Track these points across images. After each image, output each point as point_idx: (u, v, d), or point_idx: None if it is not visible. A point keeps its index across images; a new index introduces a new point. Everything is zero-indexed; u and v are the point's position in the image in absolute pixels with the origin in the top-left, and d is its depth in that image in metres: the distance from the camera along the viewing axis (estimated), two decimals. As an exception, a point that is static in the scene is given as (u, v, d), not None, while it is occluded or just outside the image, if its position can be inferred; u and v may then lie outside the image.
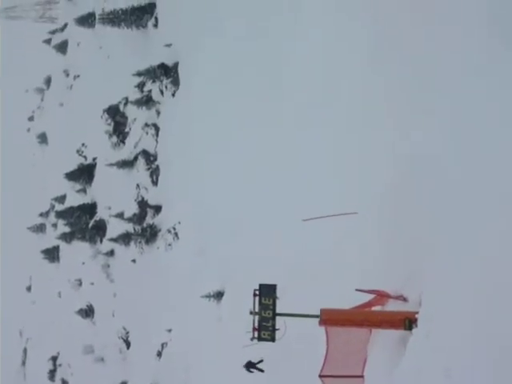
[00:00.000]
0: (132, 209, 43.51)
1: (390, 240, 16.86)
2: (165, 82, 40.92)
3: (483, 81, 12.47)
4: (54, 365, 55.99)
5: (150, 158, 42.68)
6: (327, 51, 23.19)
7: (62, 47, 64.56)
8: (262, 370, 20.25)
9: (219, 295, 31.14)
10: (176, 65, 39.95)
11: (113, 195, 46.36)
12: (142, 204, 42.80)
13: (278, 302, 16.90)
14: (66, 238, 54.68)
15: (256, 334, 17.05)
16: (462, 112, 13.14)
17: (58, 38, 66.91)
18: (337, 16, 22.80)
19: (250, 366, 20.54)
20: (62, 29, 66.18)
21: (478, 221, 12.30)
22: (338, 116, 21.35)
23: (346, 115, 20.89)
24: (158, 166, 41.64)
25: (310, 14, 25.16)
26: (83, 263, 51.10)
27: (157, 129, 42.22)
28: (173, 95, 40.42)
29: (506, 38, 10.43)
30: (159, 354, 37.69)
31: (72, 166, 53.21)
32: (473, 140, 12.47)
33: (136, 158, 43.99)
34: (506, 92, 11.78)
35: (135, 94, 43.87)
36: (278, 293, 17.07)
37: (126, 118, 46.67)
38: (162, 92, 41.46)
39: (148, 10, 43.94)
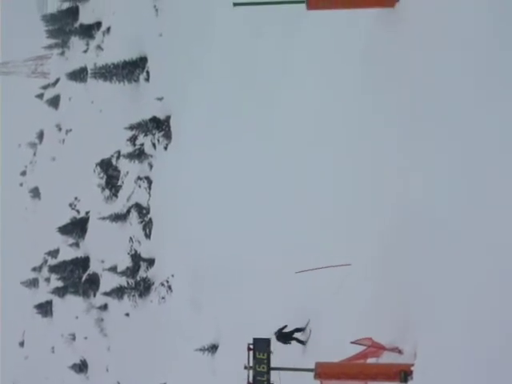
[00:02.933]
0: (125, 262, 43.46)
1: (384, 291, 16.83)
2: (157, 135, 41.15)
3: (483, 131, 12.55)
4: (48, 420, 55.52)
5: (142, 211, 42.76)
6: (316, 99, 23.31)
7: (54, 102, 65.07)
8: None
9: (214, 348, 30.95)
10: (168, 118, 40.22)
11: (106, 249, 46.32)
12: (135, 257, 42.77)
13: (272, 355, 16.80)
14: (59, 292, 54.55)
15: (251, 389, 16.91)
16: (461, 166, 13.19)
17: (50, 93, 67.51)
18: (325, 64, 22.99)
19: None
20: (54, 84, 66.80)
21: (471, 272, 12.33)
22: (333, 166, 21.37)
23: (340, 165, 20.92)
24: (150, 219, 41.68)
25: (297, 65, 25.37)
26: (76, 317, 50.90)
27: (149, 182, 42.36)
28: (165, 148, 40.61)
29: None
30: (154, 408, 37.39)
31: (65, 220, 53.30)
32: (471, 195, 12.49)
33: (129, 212, 44.07)
34: (507, 143, 11.81)
35: (127, 148, 44.09)
36: (273, 346, 17.02)
37: (119, 171, 46.87)
38: (154, 145, 41.66)
39: (139, 65, 44.37)
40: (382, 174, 17.64)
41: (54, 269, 55.32)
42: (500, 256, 11.20)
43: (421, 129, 15.11)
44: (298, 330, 22.33)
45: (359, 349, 15.84)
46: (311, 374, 15.61)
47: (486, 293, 11.63)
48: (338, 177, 20.84)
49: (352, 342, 15.53)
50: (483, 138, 12.08)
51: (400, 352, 15.48)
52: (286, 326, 21.84)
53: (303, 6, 17.59)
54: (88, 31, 54.39)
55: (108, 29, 50.86)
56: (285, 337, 21.88)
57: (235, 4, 18.63)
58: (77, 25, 57.05)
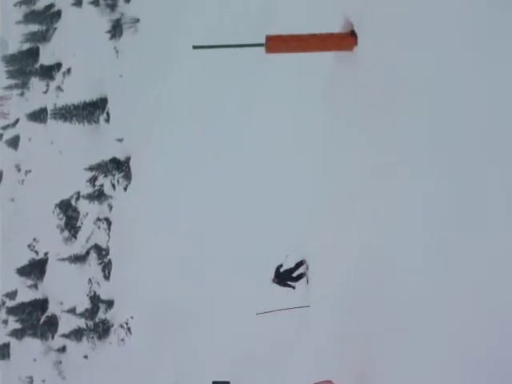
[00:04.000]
0: (84, 304, 43.11)
1: (342, 335, 16.86)
2: (117, 176, 41.11)
3: (441, 179, 12.70)
4: None
5: (102, 252, 42.53)
6: (278, 142, 23.43)
7: (14, 142, 64.66)
8: None
9: (173, 391, 30.77)
10: (128, 159, 40.20)
11: (65, 290, 45.90)
12: (94, 299, 42.44)
13: (232, 396, 16.77)
14: (17, 334, 53.78)
15: (211, 431, 16.90)
16: (424, 211, 13.30)
17: (9, 134, 67.07)
18: (286, 106, 23.17)
19: None
20: (14, 124, 66.42)
21: (432, 324, 12.34)
22: (294, 207, 21.47)
23: (301, 205, 21.02)
24: (110, 261, 41.45)
25: (258, 107, 25.55)
26: (34, 360, 50.21)
27: (109, 223, 42.19)
28: (125, 189, 40.55)
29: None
30: None
31: (23, 261, 52.73)
32: (446, 249, 12.55)
33: (88, 253, 43.80)
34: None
35: (87, 189, 43.97)
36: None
37: (78, 212, 46.66)
38: (114, 186, 41.59)
39: (100, 105, 44.37)
40: (344, 214, 17.69)
41: (11, 311, 54.58)
42: (462, 305, 11.26)
43: (383, 167, 15.21)
44: (298, 265, 21.33)
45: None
46: None
47: (446, 350, 11.65)
48: (297, 220, 20.93)
49: (313, 385, 15.55)
50: (443, 185, 12.18)
51: (360, 393, 15.52)
52: (281, 266, 21.09)
53: (262, 49, 17.78)
54: (48, 72, 54.31)
55: (68, 70, 50.86)
56: (285, 278, 21.07)
57: (194, 47, 18.74)
58: (37, 66, 56.94)
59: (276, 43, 17.79)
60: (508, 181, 10.02)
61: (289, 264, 20.56)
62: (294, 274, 20.95)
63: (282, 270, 20.85)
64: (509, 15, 10.54)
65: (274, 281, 20.72)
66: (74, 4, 50.94)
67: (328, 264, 18.36)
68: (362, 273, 15.94)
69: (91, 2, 47.06)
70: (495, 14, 10.88)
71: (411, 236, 12.94)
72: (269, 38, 17.62)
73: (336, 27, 17.97)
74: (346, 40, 17.62)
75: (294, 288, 20.78)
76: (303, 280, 20.76)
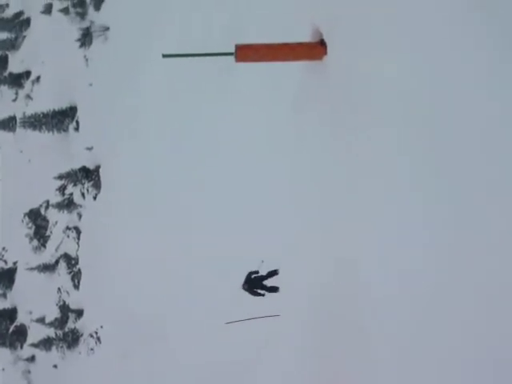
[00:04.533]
0: (53, 313, 42.79)
1: (312, 347, 16.90)
2: (86, 185, 40.92)
3: (414, 181, 12.77)
4: None
5: (71, 261, 42.25)
6: (249, 151, 23.47)
7: (-18, 151, 64.21)
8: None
9: (143, 401, 30.66)
10: (97, 168, 40.04)
11: (34, 299, 45.54)
12: (64, 308, 42.14)
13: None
14: (-15, 344, 53.36)
15: None
16: (397, 225, 13.34)
17: (-23, 142, 66.58)
18: (256, 115, 23.22)
19: None
20: (-18, 132, 65.90)
21: (404, 339, 12.41)
22: (266, 216, 21.51)
23: (272, 215, 21.06)
24: (79, 270, 41.18)
25: (229, 116, 25.57)
26: (3, 369, 49.74)
27: (78, 232, 41.95)
28: (94, 198, 40.37)
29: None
30: None
31: (-8, 271, 52.34)
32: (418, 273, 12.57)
33: (57, 262, 43.48)
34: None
35: (56, 197, 43.69)
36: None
37: (47, 221, 46.36)
38: (83, 195, 41.38)
39: (69, 114, 44.12)
40: (314, 224, 17.75)
41: (-20, 320, 54.17)
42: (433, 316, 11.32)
43: (355, 174, 15.29)
44: (270, 273, 20.77)
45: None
46: None
47: (416, 353, 11.72)
48: (271, 228, 20.96)
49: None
50: (417, 192, 12.25)
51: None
52: (255, 272, 20.65)
53: (232, 58, 17.84)
54: (17, 80, 53.92)
55: (37, 78, 50.53)
56: (255, 285, 20.48)
57: (164, 55, 18.77)
58: (6, 74, 56.56)
59: (245, 52, 17.88)
60: (487, 183, 10.09)
61: (264, 271, 20.47)
62: (267, 284, 20.45)
63: (253, 276, 20.45)
64: (478, 17, 10.66)
65: (243, 287, 20.23)
66: (43, 12, 50.65)
67: (301, 274, 18.39)
68: (335, 284, 15.99)
69: (61, 10, 46.84)
70: (466, 20, 11.00)
71: (386, 246, 12.98)
72: (238, 47, 17.71)
73: (306, 37, 18.08)
74: (315, 49, 17.76)
75: (263, 295, 20.35)
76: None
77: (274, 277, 20.66)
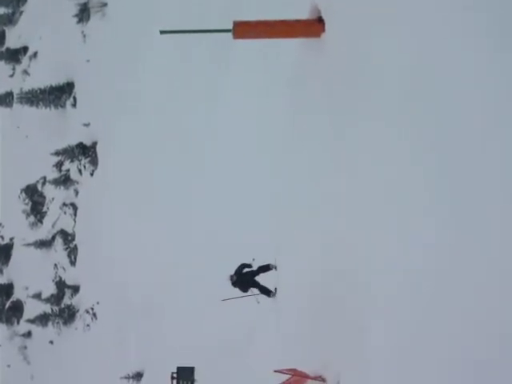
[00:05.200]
0: (50, 289, 42.90)
1: (309, 321, 16.94)
2: (83, 161, 40.90)
3: (408, 165, 12.72)
4: None
5: (67, 237, 42.31)
6: (246, 128, 23.44)
7: (-21, 126, 64.07)
8: None
9: (138, 376, 30.75)
10: (94, 144, 40.00)
11: (30, 275, 45.63)
12: (60, 284, 42.26)
13: (196, 384, 16.79)
14: (-18, 319, 53.48)
15: (176, 417, 16.92)
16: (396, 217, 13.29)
17: (-26, 118, 66.43)
18: (253, 93, 23.18)
19: None
20: (-21, 108, 65.71)
21: (397, 302, 12.39)
22: (263, 193, 21.48)
23: (270, 193, 21.03)
24: (76, 246, 41.27)
25: (226, 92, 25.55)
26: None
27: (75, 208, 41.98)
28: (91, 175, 40.38)
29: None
30: None
31: (-12, 247, 52.38)
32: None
33: (54, 238, 43.56)
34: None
35: (53, 174, 43.66)
36: (197, 375, 16.97)
37: (44, 197, 46.35)
38: (80, 171, 41.38)
39: (66, 90, 43.99)
40: (311, 207, 17.71)
41: (-24, 296, 54.26)
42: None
43: (352, 154, 15.23)
44: (262, 269, 19.85)
45: (284, 378, 15.91)
46: None
47: (414, 338, 11.70)
48: (268, 208, 20.94)
49: (276, 371, 15.61)
50: (412, 174, 12.18)
51: (323, 380, 15.63)
52: (247, 266, 19.83)
53: (230, 34, 17.79)
54: (14, 56, 53.69)
55: (35, 54, 50.31)
56: (246, 280, 19.54)
57: (162, 32, 18.70)
58: (3, 49, 56.31)
59: (243, 29, 17.82)
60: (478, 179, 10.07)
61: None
62: (259, 281, 19.71)
63: (245, 270, 19.71)
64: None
65: (231, 278, 19.42)
66: (40, -13, 50.43)
67: (297, 266, 18.34)
68: (332, 276, 15.96)
69: (58, -14, 46.65)
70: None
71: (385, 241, 12.89)
72: (236, 24, 17.64)
73: (304, 14, 18.01)
74: (313, 26, 17.70)
75: (252, 295, 19.83)
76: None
77: (268, 272, 19.90)
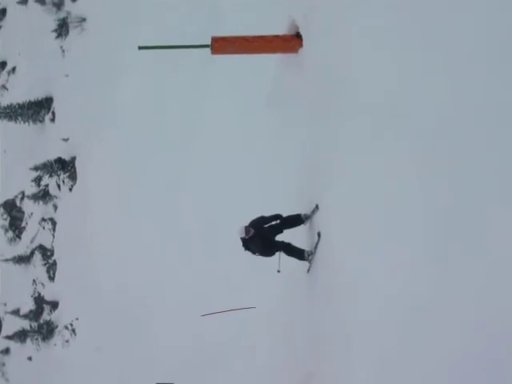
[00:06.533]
0: (28, 305, 42.69)
1: (286, 336, 16.95)
2: (62, 176, 40.76)
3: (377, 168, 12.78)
4: None
5: (46, 252, 42.12)
6: (226, 143, 23.46)
7: (-43, 141, 63.79)
8: None
9: (118, 392, 30.65)
10: (73, 159, 39.90)
11: (8, 291, 45.38)
12: (39, 300, 42.04)
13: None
14: (-40, 336, 53.10)
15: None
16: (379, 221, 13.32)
17: (-48, 133, 66.13)
18: (233, 108, 23.22)
19: None
20: (-42, 123, 65.42)
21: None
22: (241, 208, 21.48)
23: (247, 208, 21.04)
24: (55, 261, 41.07)
25: (206, 108, 25.56)
26: (-23, 362, 49.64)
27: (54, 223, 41.82)
28: (70, 190, 40.24)
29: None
30: None
31: (-34, 262, 52.04)
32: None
33: (32, 253, 43.35)
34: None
35: (32, 189, 43.51)
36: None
37: (23, 212, 46.18)
38: (59, 186, 41.23)
39: (45, 105, 43.89)
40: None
41: (-46, 312, 53.88)
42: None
43: (328, 168, 15.30)
44: (289, 221, 15.66)
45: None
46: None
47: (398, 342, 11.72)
48: (243, 218, 20.93)
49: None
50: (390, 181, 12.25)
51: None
52: (268, 219, 15.66)
53: (208, 50, 17.88)
54: (-7, 70, 53.71)
55: (13, 69, 50.23)
56: (268, 237, 15.33)
57: (140, 47, 18.77)
58: (-19, 64, 56.25)
59: (222, 44, 17.94)
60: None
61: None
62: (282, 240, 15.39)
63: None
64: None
65: (246, 232, 15.03)
66: (19, 2, 50.30)
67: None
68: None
69: (37, 1, 46.51)
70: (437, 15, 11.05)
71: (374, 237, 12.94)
72: (214, 40, 17.77)
73: (282, 29, 18.13)
74: (291, 42, 17.84)
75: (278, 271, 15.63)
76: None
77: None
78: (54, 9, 44.75)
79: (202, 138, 25.47)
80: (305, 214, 15.71)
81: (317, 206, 15.47)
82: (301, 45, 17.65)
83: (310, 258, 15.22)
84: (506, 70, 9.21)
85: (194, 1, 27.06)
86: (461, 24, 10.30)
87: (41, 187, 42.93)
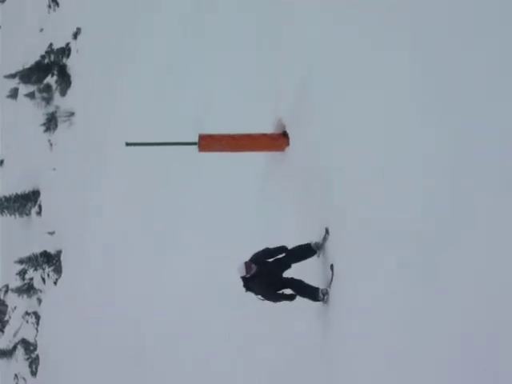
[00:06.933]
0: (9, 401, 42.12)
1: None
2: (47, 269, 40.65)
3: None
4: None
5: (29, 347, 41.68)
6: (213, 242, 23.41)
7: None
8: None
9: None
10: (59, 253, 39.85)
11: (-11, 386, 44.73)
12: (20, 396, 41.52)
13: None
14: None
15: None
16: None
17: None
18: (221, 206, 23.28)
19: None
20: None
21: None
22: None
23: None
24: (37, 356, 40.60)
25: (194, 206, 25.61)
26: None
27: (37, 317, 41.50)
28: (55, 283, 40.09)
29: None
30: None
31: None
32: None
33: (15, 348, 42.90)
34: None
35: (16, 282, 43.30)
36: None
37: (6, 306, 45.85)
38: (43, 280, 41.07)
39: (32, 198, 44.07)
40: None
41: None
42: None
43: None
44: (297, 254, 13.80)
45: None
46: None
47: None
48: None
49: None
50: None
51: None
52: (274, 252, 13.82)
53: (196, 147, 18.00)
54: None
55: (1, 162, 50.59)
56: (274, 276, 13.28)
57: (128, 144, 18.90)
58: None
59: (209, 142, 18.05)
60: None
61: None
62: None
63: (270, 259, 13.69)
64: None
65: (247, 269, 13.12)
66: (9, 96, 50.94)
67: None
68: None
69: (27, 95, 47.17)
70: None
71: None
72: (201, 137, 17.89)
73: (269, 128, 18.33)
74: (278, 141, 17.99)
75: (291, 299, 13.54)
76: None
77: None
78: (44, 103, 45.32)
79: (189, 234, 25.45)
80: (316, 243, 13.89)
81: (327, 231, 13.83)
82: (287, 143, 17.81)
83: (325, 298, 13.13)
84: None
85: (181, 98, 27.35)
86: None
87: (25, 281, 42.74)
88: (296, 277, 13.54)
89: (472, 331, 8.76)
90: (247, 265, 13.16)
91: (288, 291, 13.56)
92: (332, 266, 13.28)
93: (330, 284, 13.27)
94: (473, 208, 9.12)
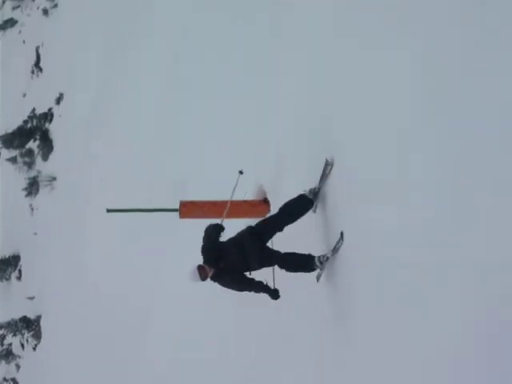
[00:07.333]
0: None
1: None
2: (26, 335, 40.36)
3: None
4: None
5: (6, 415, 41.28)
6: (194, 299, 23.33)
7: None
8: None
9: None
10: (38, 318, 39.60)
11: None
12: None
13: None
14: None
15: None
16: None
17: None
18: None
19: None
20: None
21: None
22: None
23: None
24: (15, 424, 40.21)
25: (174, 268, 25.59)
26: None
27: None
28: (34, 349, 39.76)
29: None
30: None
31: None
32: None
33: (-7, 416, 42.42)
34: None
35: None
36: None
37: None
38: (22, 346, 40.76)
39: (12, 263, 43.93)
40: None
41: None
42: None
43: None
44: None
45: None
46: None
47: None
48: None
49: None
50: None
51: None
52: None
53: (177, 214, 18.04)
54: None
55: (-19, 225, 50.49)
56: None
57: (108, 210, 18.97)
58: None
59: (190, 208, 18.10)
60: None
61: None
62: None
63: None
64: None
65: (202, 274, 11.24)
66: (-10, 162, 51.06)
67: None
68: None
69: (8, 159, 47.26)
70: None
71: None
72: (182, 204, 17.94)
73: (249, 195, 18.42)
74: (259, 207, 18.07)
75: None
76: None
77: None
78: (25, 167, 45.39)
79: (169, 294, 25.35)
80: (310, 190, 11.60)
81: (327, 162, 11.45)
82: (269, 210, 17.90)
83: (322, 265, 10.96)
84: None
85: (162, 164, 27.40)
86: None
87: (4, 346, 42.41)
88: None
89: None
90: (200, 269, 11.13)
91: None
92: (342, 234, 10.82)
93: (334, 252, 10.99)
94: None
